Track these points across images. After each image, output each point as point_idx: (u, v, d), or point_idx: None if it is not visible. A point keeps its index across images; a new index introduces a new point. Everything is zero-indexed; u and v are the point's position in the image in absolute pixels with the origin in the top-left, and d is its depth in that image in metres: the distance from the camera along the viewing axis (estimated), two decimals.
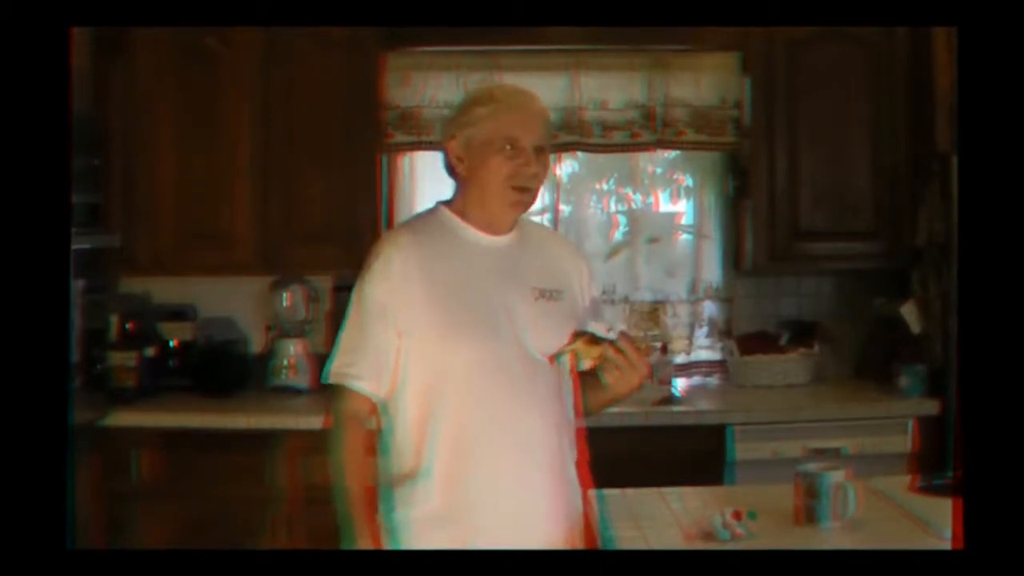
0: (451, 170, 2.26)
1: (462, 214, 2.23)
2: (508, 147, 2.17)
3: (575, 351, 2.16)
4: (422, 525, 2.16)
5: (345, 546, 2.16)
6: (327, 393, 2.26)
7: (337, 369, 2.21)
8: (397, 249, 2.19)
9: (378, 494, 2.23)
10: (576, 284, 2.31)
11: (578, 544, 2.25)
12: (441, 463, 2.14)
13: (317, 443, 2.40)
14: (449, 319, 2.15)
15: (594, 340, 2.16)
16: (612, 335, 2.19)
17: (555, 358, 2.19)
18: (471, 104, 2.24)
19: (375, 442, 2.24)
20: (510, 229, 2.25)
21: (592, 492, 2.36)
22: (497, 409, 2.15)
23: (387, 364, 2.17)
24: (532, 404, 2.17)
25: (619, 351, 2.14)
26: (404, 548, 2.17)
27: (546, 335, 2.18)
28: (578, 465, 2.28)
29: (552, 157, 4.08)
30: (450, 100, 3.90)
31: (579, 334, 2.18)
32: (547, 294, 2.23)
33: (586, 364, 2.18)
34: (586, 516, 2.29)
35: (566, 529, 2.22)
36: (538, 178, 2.21)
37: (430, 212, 2.30)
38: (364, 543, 2.14)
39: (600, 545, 2.25)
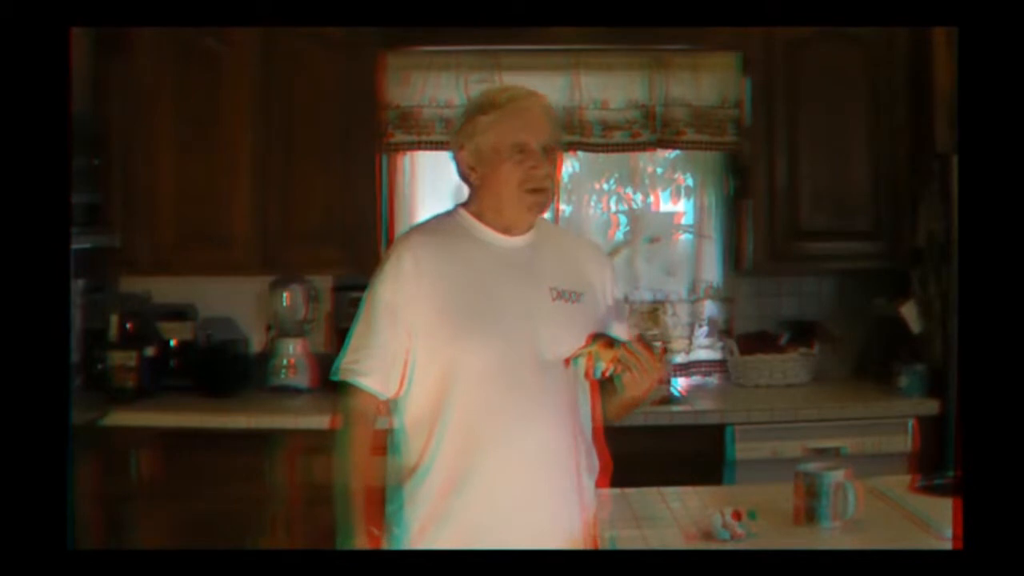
0: (464, 178, 2.26)
1: (479, 216, 2.23)
2: (517, 153, 2.16)
3: (592, 353, 2.15)
4: (425, 523, 2.16)
5: (340, 543, 2.15)
6: (335, 391, 2.26)
7: (344, 365, 2.22)
8: (408, 249, 2.19)
9: (386, 494, 2.23)
10: (599, 286, 2.30)
11: (587, 547, 2.23)
12: (445, 462, 2.14)
13: (317, 443, 2.40)
14: (460, 320, 2.14)
15: (611, 343, 2.15)
16: (628, 339, 2.19)
17: (571, 361, 2.18)
18: (474, 112, 2.22)
19: (385, 442, 2.24)
20: (528, 230, 2.25)
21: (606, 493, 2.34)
22: (505, 410, 2.14)
23: (395, 363, 2.18)
24: (542, 407, 2.16)
25: (632, 352, 2.13)
26: (406, 546, 2.17)
27: (563, 337, 2.17)
28: (595, 472, 2.26)
29: None
30: (450, 100, 3.91)
31: (597, 337, 2.17)
32: (566, 295, 2.21)
33: (603, 368, 2.16)
34: (594, 523, 2.28)
35: (571, 534, 2.20)
36: (551, 177, 2.20)
37: (448, 214, 2.30)
38: (360, 541, 2.14)
39: (600, 546, 2.25)
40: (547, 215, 4.05)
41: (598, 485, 2.28)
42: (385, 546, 2.19)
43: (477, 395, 2.13)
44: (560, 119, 2.30)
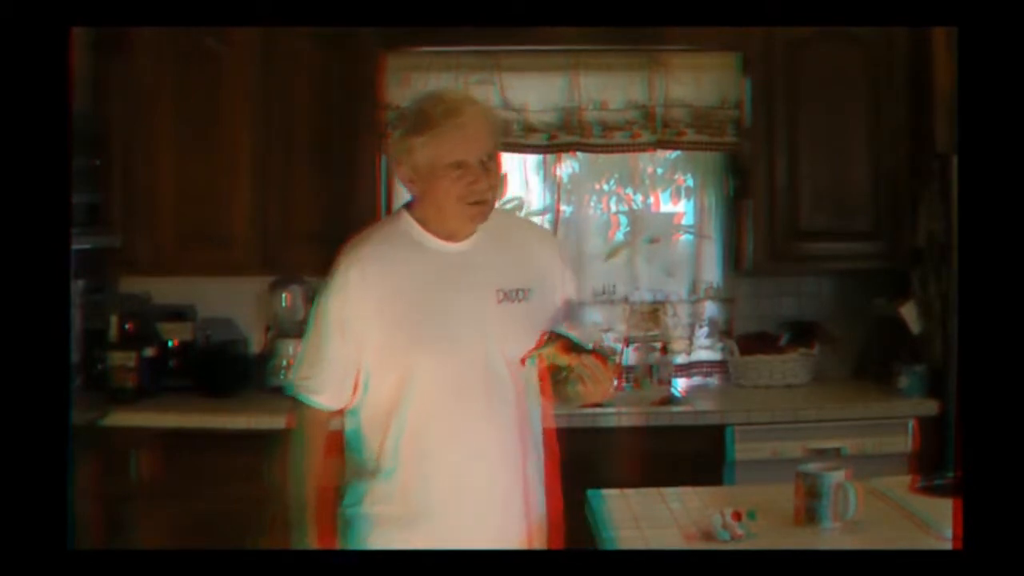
0: (406, 187, 2.25)
1: (423, 222, 2.23)
2: (455, 170, 2.14)
3: (546, 356, 2.15)
4: (380, 524, 2.20)
5: (296, 543, 2.22)
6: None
7: (297, 381, 2.27)
8: (354, 263, 2.21)
9: (340, 491, 2.27)
10: (548, 278, 2.29)
11: (539, 545, 2.26)
12: (400, 465, 2.17)
13: None
14: (408, 330, 2.16)
15: (567, 347, 2.14)
16: (587, 343, 2.18)
17: (526, 360, 2.18)
18: (409, 132, 2.18)
19: (338, 443, 2.28)
20: (472, 234, 2.24)
21: (586, 493, 2.36)
22: (457, 414, 2.16)
23: (345, 378, 2.21)
24: (493, 409, 2.18)
25: (587, 365, 2.14)
26: (362, 545, 2.20)
27: (513, 338, 2.17)
28: (546, 468, 2.29)
29: (552, 158, 4.14)
30: None
31: (553, 337, 2.16)
32: (512, 295, 2.21)
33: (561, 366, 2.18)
34: (552, 518, 2.30)
35: (525, 530, 2.23)
36: (492, 188, 2.19)
37: (393, 219, 2.30)
38: (312, 540, 2.22)
39: (599, 545, 2.26)
40: (547, 216, 4.11)
41: (550, 483, 2.29)
42: (340, 545, 2.23)
43: (429, 401, 2.16)
44: (499, 120, 2.27)
